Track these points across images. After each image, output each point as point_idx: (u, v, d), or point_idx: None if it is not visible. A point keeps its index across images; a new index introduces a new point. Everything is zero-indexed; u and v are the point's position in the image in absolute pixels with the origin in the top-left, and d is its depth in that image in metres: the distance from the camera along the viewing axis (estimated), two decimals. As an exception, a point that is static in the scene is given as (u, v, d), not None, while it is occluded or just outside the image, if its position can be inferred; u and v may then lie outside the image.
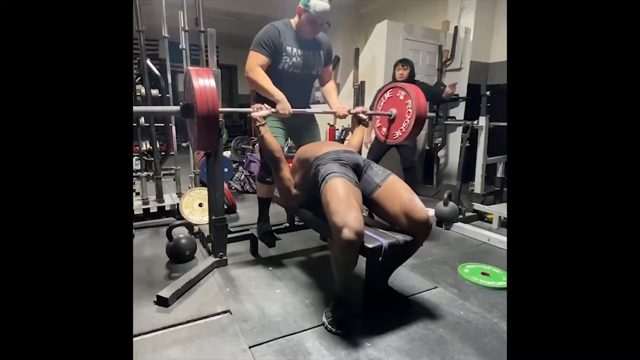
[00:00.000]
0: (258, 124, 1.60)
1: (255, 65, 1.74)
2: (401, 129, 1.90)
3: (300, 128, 2.02)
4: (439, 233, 2.56)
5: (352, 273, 1.34)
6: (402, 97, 1.90)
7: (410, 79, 2.96)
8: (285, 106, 1.72)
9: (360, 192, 1.40)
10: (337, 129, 3.96)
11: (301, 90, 1.95)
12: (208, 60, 1.97)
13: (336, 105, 1.97)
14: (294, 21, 1.81)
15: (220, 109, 1.34)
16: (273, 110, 1.61)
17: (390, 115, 1.95)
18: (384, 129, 2.03)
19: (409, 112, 1.85)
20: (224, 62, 7.76)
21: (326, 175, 1.39)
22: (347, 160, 1.49)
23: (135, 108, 1.57)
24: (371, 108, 2.44)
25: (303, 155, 1.65)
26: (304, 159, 1.64)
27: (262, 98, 1.80)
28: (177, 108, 1.40)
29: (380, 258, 1.29)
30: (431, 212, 2.58)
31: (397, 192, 1.42)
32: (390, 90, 1.99)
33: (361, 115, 1.88)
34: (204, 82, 1.28)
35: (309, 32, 1.79)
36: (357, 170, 1.51)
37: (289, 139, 2.14)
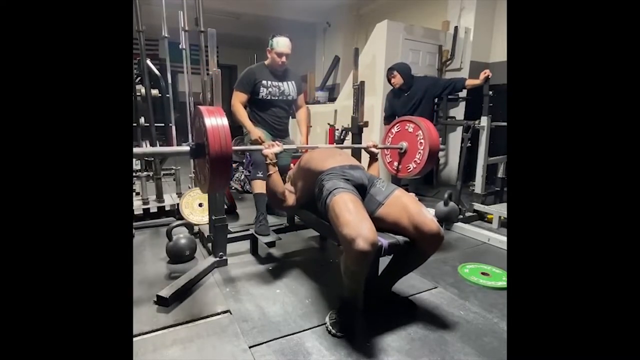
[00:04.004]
0: (268, 161, 1.58)
1: (237, 101, 2.25)
2: (415, 161, 1.88)
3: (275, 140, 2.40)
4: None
5: (363, 281, 1.33)
6: (411, 130, 1.89)
7: (407, 81, 2.95)
8: (254, 133, 2.21)
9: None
10: (337, 129, 3.96)
11: (280, 113, 2.39)
12: (208, 60, 1.97)
13: (304, 137, 2.52)
14: (267, 61, 2.30)
15: (234, 147, 1.30)
16: (285, 147, 1.67)
17: (401, 149, 1.93)
18: (395, 163, 2.01)
19: (420, 143, 1.83)
20: (224, 62, 7.76)
21: (333, 190, 1.38)
22: (352, 178, 1.48)
23: (144, 150, 1.55)
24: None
25: (307, 165, 1.65)
26: (307, 168, 1.64)
27: (257, 117, 2.33)
28: (187, 149, 1.34)
29: (380, 257, 1.29)
30: (431, 212, 2.58)
31: (403, 206, 1.39)
32: (398, 124, 1.98)
33: (372, 149, 1.86)
34: (216, 121, 1.23)
35: (278, 65, 2.24)
36: (362, 190, 1.49)
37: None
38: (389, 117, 3.13)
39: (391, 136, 2.03)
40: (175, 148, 1.57)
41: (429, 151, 1.80)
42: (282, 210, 1.76)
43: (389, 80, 3.04)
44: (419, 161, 1.86)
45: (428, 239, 1.33)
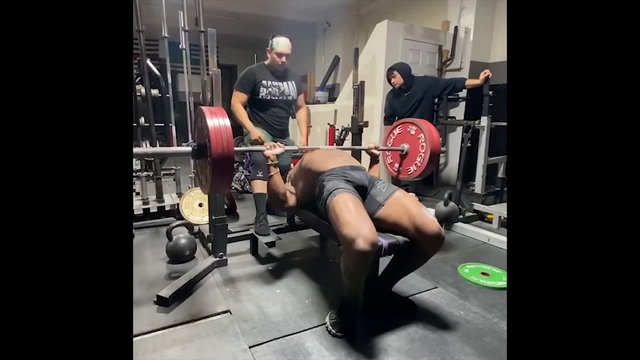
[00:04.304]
0: (270, 162, 1.59)
1: (237, 102, 2.26)
2: (416, 164, 1.88)
3: (275, 142, 2.41)
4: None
5: (363, 281, 1.33)
6: (413, 132, 1.89)
7: (407, 81, 2.95)
8: (254, 133, 2.22)
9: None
10: (337, 129, 3.96)
11: (280, 113, 2.40)
12: (208, 60, 1.98)
13: (304, 137, 2.52)
14: (267, 62, 2.31)
15: (235, 148, 1.28)
16: (287, 147, 1.68)
17: (403, 151, 1.93)
18: (396, 165, 2.01)
19: (422, 146, 1.83)
20: (224, 62, 7.76)
21: (334, 190, 1.38)
22: (352, 179, 1.49)
23: (145, 150, 1.56)
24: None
25: (308, 165, 1.65)
26: (308, 169, 1.64)
27: (257, 117, 2.33)
28: (189, 149, 1.35)
29: (380, 257, 1.29)
30: (431, 212, 2.58)
31: (404, 207, 1.39)
32: (400, 126, 1.98)
33: (373, 151, 1.86)
34: (219, 122, 1.23)
35: (278, 65, 2.25)
36: (362, 191, 1.49)
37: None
38: (389, 118, 3.12)
39: (393, 137, 2.02)
40: (176, 148, 1.58)
41: (430, 154, 1.80)
42: (283, 211, 1.79)
43: (389, 80, 3.04)
44: (419, 164, 1.86)
45: (429, 240, 1.33)
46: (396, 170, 2.00)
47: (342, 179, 1.47)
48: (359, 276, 1.29)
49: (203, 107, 1.30)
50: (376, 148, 1.86)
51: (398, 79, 2.94)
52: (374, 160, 1.88)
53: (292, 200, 1.73)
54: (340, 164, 1.55)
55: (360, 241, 1.15)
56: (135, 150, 1.28)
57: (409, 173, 1.92)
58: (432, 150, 1.80)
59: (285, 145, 2.52)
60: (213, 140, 1.20)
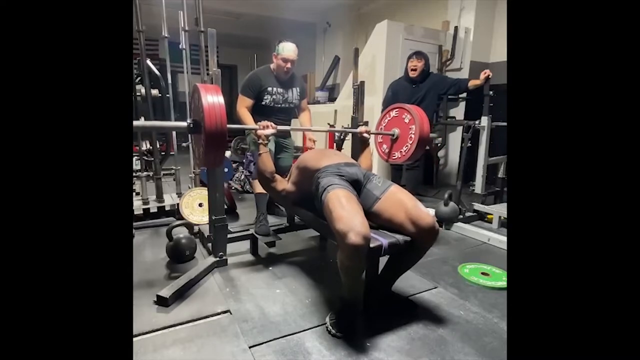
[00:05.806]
0: (260, 141, 1.64)
1: (242, 107, 2.27)
2: (401, 151, 1.90)
3: (278, 143, 2.48)
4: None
5: (361, 278, 1.34)
6: (407, 120, 1.89)
7: (425, 72, 2.93)
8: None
9: (360, 204, 1.39)
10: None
11: (283, 119, 2.42)
12: (208, 60, 1.97)
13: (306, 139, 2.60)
14: (272, 66, 2.30)
15: (229, 125, 1.33)
16: (279, 128, 1.70)
17: (393, 135, 1.94)
18: (385, 146, 2.02)
19: (411, 136, 1.84)
20: (224, 62, 7.77)
21: (328, 186, 1.40)
22: (346, 174, 1.51)
23: (143, 123, 1.59)
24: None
25: (303, 164, 1.68)
26: (303, 167, 1.67)
27: (260, 115, 2.25)
28: (185, 124, 1.40)
29: (380, 257, 1.29)
30: (431, 212, 2.58)
31: (400, 201, 1.42)
32: (396, 110, 1.99)
33: (365, 135, 1.86)
34: (213, 99, 1.26)
35: (284, 71, 2.26)
36: (357, 185, 1.51)
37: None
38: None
39: (388, 119, 2.01)
40: (173, 123, 1.64)
41: (417, 144, 1.81)
42: (270, 192, 1.82)
43: (408, 65, 2.96)
44: (404, 152, 1.88)
45: (425, 233, 1.35)
46: (384, 152, 2.01)
47: (336, 174, 1.49)
48: (355, 271, 1.31)
49: (199, 84, 1.33)
50: (367, 132, 1.87)
51: (421, 67, 2.91)
52: (365, 144, 1.90)
53: (281, 184, 1.77)
54: (334, 162, 1.58)
55: (352, 235, 1.17)
56: (135, 123, 1.34)
57: (394, 158, 1.94)
58: (420, 140, 1.80)
59: (287, 145, 2.52)
60: (207, 116, 1.24)
